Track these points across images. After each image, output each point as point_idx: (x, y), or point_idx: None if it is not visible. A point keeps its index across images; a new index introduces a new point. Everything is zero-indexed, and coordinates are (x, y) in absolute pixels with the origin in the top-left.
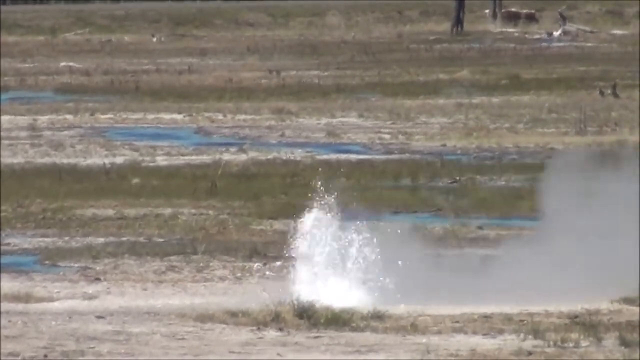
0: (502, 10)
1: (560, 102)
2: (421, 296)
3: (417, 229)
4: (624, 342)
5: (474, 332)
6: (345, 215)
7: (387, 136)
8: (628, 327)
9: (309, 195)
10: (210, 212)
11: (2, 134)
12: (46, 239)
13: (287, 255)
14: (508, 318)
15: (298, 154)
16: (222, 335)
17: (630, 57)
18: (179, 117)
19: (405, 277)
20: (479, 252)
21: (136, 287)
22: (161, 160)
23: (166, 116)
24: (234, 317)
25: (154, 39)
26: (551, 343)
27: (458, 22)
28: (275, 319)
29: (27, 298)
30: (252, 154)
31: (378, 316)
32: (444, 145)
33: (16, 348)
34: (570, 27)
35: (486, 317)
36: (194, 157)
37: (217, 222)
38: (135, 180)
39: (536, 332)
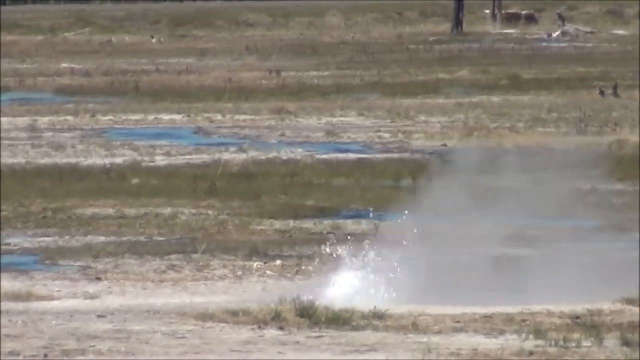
0: (502, 11)
1: (561, 102)
2: (421, 295)
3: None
4: (626, 342)
5: (476, 332)
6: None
7: (386, 135)
8: (629, 328)
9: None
10: (210, 211)
11: (2, 134)
12: (47, 239)
13: (287, 254)
14: (509, 318)
15: (298, 154)
16: (223, 334)
17: (630, 57)
18: (178, 117)
19: (405, 277)
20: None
21: (136, 286)
22: (161, 160)
23: (166, 116)
24: (235, 316)
25: (154, 40)
26: (553, 343)
27: (458, 22)
28: (275, 318)
29: (27, 297)
30: (252, 154)
31: (379, 315)
32: (444, 144)
33: (16, 347)
34: (570, 27)
35: (487, 317)
36: (193, 157)
37: (217, 222)
38: (135, 180)
39: (538, 332)
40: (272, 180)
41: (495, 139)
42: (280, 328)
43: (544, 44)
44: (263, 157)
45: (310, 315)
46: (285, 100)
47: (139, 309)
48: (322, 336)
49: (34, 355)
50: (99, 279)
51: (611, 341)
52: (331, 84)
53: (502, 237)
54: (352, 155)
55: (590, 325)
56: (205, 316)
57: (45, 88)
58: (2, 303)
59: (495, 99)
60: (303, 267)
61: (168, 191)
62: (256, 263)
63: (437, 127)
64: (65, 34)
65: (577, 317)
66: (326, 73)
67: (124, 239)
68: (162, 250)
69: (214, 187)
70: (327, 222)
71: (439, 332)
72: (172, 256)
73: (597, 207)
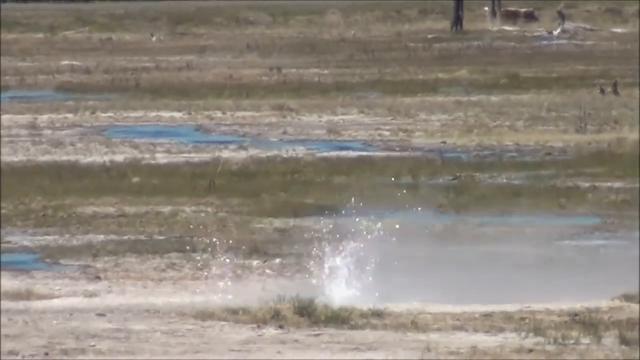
0: (502, 9)
1: (560, 100)
2: (421, 294)
3: (418, 226)
4: (624, 340)
5: (475, 330)
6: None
7: (387, 133)
8: (628, 325)
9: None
10: (210, 209)
11: (2, 132)
12: (47, 237)
13: (287, 252)
14: (509, 316)
15: (298, 151)
16: (222, 332)
17: (630, 55)
18: (178, 114)
19: (404, 275)
20: (479, 249)
21: (136, 285)
22: (161, 158)
23: (166, 114)
24: (234, 314)
25: (154, 38)
26: (552, 341)
27: (457, 20)
28: (275, 317)
29: (27, 296)
30: (252, 152)
31: (378, 314)
32: (444, 142)
33: (16, 346)
34: (570, 25)
35: (487, 315)
36: (193, 155)
37: (216, 220)
38: (136, 178)
39: (537, 330)
40: (272, 178)
41: (495, 137)
42: (280, 327)
43: (544, 42)
44: (263, 155)
45: (309, 314)
46: (285, 98)
47: (138, 307)
48: (321, 335)
49: (33, 355)
50: (98, 277)
51: (610, 339)
52: (331, 81)
53: None
54: (352, 153)
55: (589, 323)
56: (205, 315)
57: (45, 86)
58: (2, 302)
59: (494, 97)
60: (303, 266)
61: (168, 189)
62: (256, 262)
63: (437, 126)
64: (65, 32)
65: (576, 315)
66: (326, 71)
67: (124, 237)
68: (162, 249)
69: (213, 185)
70: (327, 221)
71: (438, 330)
72: (172, 255)
73: None
